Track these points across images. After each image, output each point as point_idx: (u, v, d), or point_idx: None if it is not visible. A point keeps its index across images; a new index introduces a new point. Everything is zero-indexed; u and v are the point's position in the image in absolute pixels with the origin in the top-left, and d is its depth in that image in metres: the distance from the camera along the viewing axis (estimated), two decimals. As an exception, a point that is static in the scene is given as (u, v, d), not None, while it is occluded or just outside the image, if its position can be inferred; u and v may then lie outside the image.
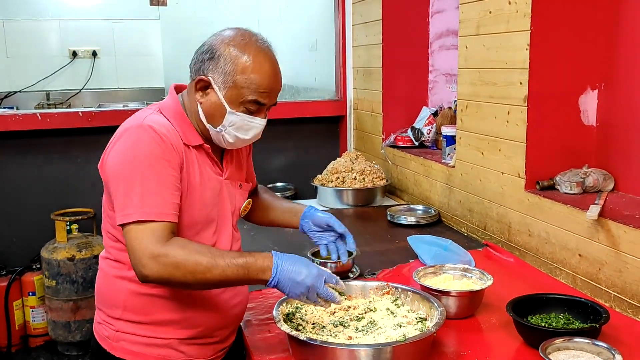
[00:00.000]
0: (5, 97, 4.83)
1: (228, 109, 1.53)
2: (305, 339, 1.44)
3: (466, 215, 2.65)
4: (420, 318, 1.63)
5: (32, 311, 3.65)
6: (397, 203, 3.22)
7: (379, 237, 2.66)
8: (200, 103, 1.55)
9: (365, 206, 3.15)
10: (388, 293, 1.76)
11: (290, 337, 1.49)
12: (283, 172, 4.06)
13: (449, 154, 2.84)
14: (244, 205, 1.74)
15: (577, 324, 1.65)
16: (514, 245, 2.33)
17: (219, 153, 1.65)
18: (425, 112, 3.37)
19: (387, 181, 3.26)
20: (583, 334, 1.54)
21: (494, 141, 2.40)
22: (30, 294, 3.63)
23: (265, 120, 1.61)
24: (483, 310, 1.86)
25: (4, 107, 4.27)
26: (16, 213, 3.64)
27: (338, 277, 1.56)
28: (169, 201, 1.43)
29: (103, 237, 1.62)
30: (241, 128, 1.57)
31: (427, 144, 3.29)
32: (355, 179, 3.14)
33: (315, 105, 4.03)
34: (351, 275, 2.17)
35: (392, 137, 3.39)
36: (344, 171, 3.18)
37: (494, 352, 1.62)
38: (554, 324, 1.66)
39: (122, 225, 1.40)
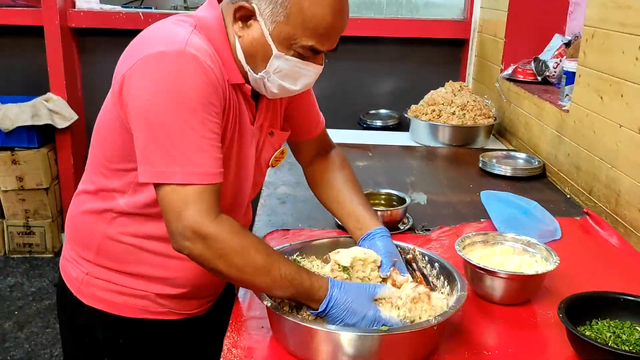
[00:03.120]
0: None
1: (275, 51, 1.18)
2: (285, 316, 1.16)
3: (572, 173, 2.14)
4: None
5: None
6: (502, 147, 2.73)
7: (459, 186, 2.25)
8: (239, 37, 1.20)
9: (463, 147, 2.71)
10: (411, 259, 1.41)
11: (269, 311, 1.23)
12: (391, 98, 3.68)
13: (566, 95, 2.29)
14: (274, 156, 1.41)
15: (658, 343, 1.20)
16: (620, 220, 1.81)
17: (254, 93, 1.31)
18: (556, 41, 2.77)
19: (495, 120, 2.76)
20: (655, 362, 1.10)
21: (617, 83, 1.84)
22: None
23: (322, 67, 1.25)
24: (543, 299, 1.45)
25: (144, 7, 4.23)
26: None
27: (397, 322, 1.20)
28: (216, 157, 1.13)
29: (88, 163, 1.33)
30: (289, 76, 1.22)
31: (553, 80, 2.72)
32: (453, 113, 2.69)
33: (435, 25, 3.54)
34: (401, 227, 1.83)
35: (511, 69, 2.85)
36: (442, 103, 2.74)
37: (528, 357, 1.23)
38: (624, 337, 1.22)
39: (157, 185, 1.12)
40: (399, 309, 1.20)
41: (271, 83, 1.23)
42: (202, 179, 1.10)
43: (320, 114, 1.57)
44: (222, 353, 1.23)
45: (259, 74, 1.22)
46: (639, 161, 1.72)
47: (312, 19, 1.14)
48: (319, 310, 1.15)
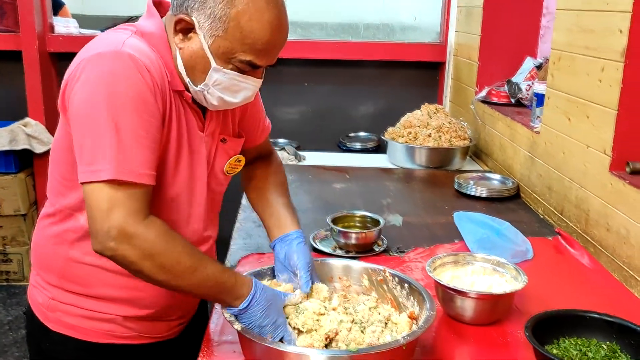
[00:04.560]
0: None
1: (214, 64, 1.20)
2: (255, 339, 1.17)
3: (545, 194, 2.17)
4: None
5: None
6: (478, 169, 2.77)
7: (434, 207, 2.27)
8: (180, 49, 1.22)
9: (439, 168, 2.74)
10: (382, 282, 1.42)
11: (240, 336, 1.23)
12: (370, 120, 3.72)
13: (537, 117, 2.34)
14: (228, 162, 1.41)
15: (623, 359, 1.22)
16: (590, 239, 1.84)
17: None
18: (528, 64, 2.82)
19: (470, 141, 2.80)
20: (619, 380, 1.11)
21: (583, 105, 1.89)
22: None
23: (261, 80, 1.28)
24: (514, 318, 1.47)
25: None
26: None
27: (295, 340, 1.24)
28: (149, 157, 1.13)
29: (48, 186, 1.32)
30: (228, 89, 1.24)
31: (525, 102, 2.77)
32: (429, 135, 2.73)
33: (412, 48, 3.59)
34: (376, 249, 1.84)
35: (485, 91, 2.90)
36: (419, 126, 2.78)
37: (498, 380, 1.24)
38: (590, 354, 1.24)
39: (85, 184, 1.10)
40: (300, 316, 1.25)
41: (211, 95, 1.24)
42: (131, 177, 1.09)
43: (267, 119, 1.59)
44: (193, 377, 1.23)
45: (199, 86, 1.23)
46: (605, 181, 1.75)
47: (250, 35, 1.16)
48: (241, 308, 1.17)
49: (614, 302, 1.56)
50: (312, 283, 1.35)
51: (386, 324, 1.29)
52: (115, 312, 1.31)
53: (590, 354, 1.24)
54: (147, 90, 1.13)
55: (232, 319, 1.21)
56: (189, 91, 1.26)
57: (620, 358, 1.23)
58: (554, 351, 1.25)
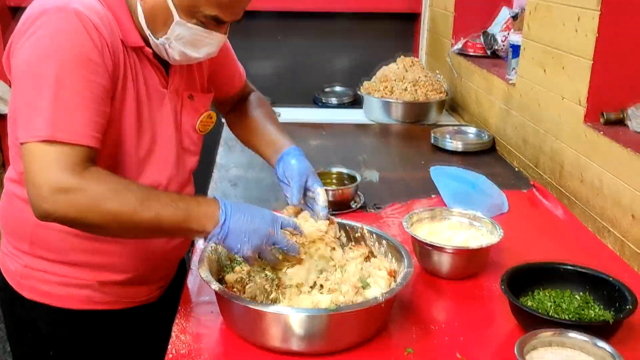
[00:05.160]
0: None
1: (177, 17, 1.15)
2: (233, 299, 1.15)
3: (520, 146, 2.18)
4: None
5: None
6: (455, 123, 2.75)
7: (411, 162, 2.27)
8: (142, 1, 1.17)
9: (416, 123, 2.72)
10: (359, 239, 1.41)
11: (218, 295, 1.22)
12: (346, 74, 3.66)
13: (513, 69, 2.32)
14: (200, 120, 1.37)
15: (596, 310, 1.24)
16: (564, 192, 1.85)
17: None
18: (503, 14, 2.79)
19: (446, 95, 2.78)
20: (591, 328, 1.13)
21: (559, 56, 1.87)
22: None
23: (225, 36, 1.23)
24: (490, 272, 1.48)
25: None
26: None
27: (296, 222, 1.24)
28: (90, 119, 1.08)
29: (10, 150, 1.28)
30: (191, 43, 1.19)
31: (501, 54, 2.74)
32: (406, 89, 2.70)
33: (388, -2, 3.52)
34: (353, 206, 1.83)
35: (460, 43, 2.87)
36: (394, 79, 2.74)
37: (474, 333, 1.26)
38: (564, 305, 1.26)
39: (23, 144, 1.06)
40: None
41: (173, 49, 1.20)
42: (69, 137, 1.05)
43: (241, 66, 1.57)
44: (171, 340, 1.22)
45: (160, 39, 1.19)
46: (579, 132, 1.75)
47: None
48: (221, 222, 1.11)
49: (587, 253, 1.59)
50: (315, 195, 1.32)
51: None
52: (90, 278, 1.28)
53: (564, 305, 1.26)
54: (93, 49, 1.09)
55: (210, 278, 1.19)
56: (149, 46, 1.21)
57: (593, 308, 1.25)
58: (529, 303, 1.27)
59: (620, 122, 1.68)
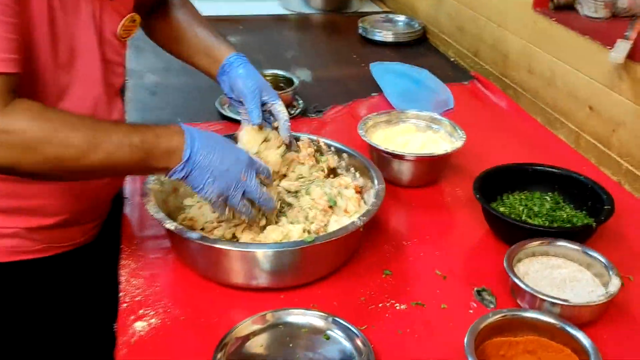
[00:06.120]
0: None
1: None
2: (194, 238, 1.01)
3: (455, 35, 2.07)
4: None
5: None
6: (379, 10, 2.59)
7: (343, 58, 2.12)
8: None
9: (337, 12, 2.53)
10: (316, 152, 1.28)
11: (173, 235, 1.06)
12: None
13: (445, -51, 2.16)
14: (121, 24, 1.11)
15: (568, 210, 1.21)
16: (509, 82, 1.79)
17: None
18: None
19: (368, -21, 2.60)
20: (571, 235, 1.10)
21: None
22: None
23: None
24: (449, 176, 1.41)
25: None
26: None
27: (270, 169, 1.07)
28: (2, 37, 0.86)
29: None
30: None
31: None
32: (325, -26, 2.48)
33: None
34: (292, 112, 1.68)
35: None
36: (312, -36, 2.51)
37: (448, 245, 1.20)
38: (535, 209, 1.22)
39: None
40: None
41: None
42: None
43: None
44: (120, 286, 1.07)
45: None
46: (527, 20, 1.67)
47: None
48: (184, 159, 0.94)
49: (539, 144, 1.55)
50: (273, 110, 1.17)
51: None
52: (16, 224, 1.07)
53: (535, 208, 1.22)
54: None
55: (161, 215, 1.04)
56: None
57: (564, 209, 1.22)
58: (501, 209, 1.22)
59: (570, 7, 1.60)
